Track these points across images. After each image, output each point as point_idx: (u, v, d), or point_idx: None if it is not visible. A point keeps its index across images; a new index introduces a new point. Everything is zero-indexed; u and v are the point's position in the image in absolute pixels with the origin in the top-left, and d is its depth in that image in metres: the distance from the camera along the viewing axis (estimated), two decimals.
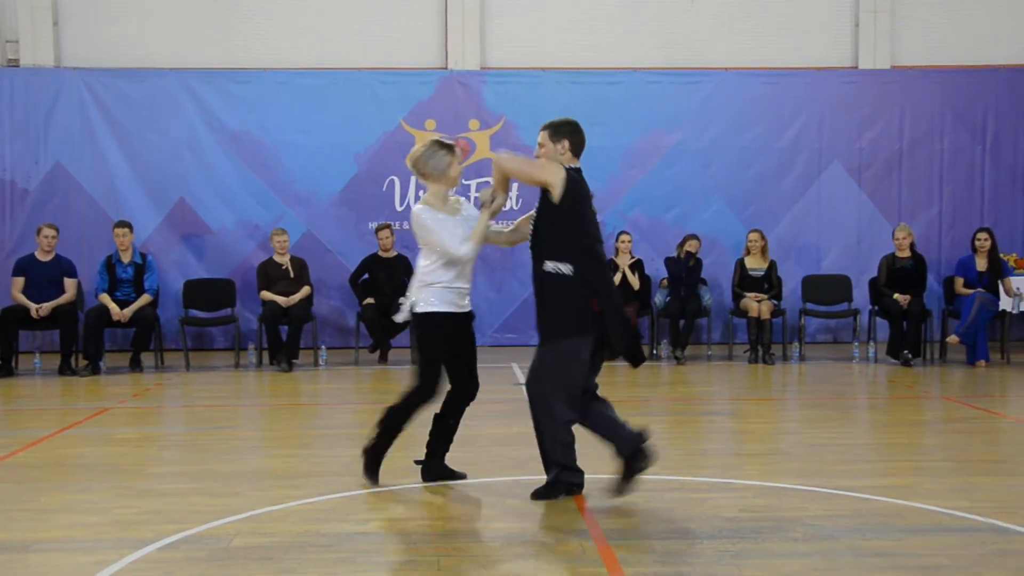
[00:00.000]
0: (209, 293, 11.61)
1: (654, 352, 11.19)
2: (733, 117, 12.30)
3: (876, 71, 12.60)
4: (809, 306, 11.71)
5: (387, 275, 11.09)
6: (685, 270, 11.19)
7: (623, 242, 11.38)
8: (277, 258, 11.03)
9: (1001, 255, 11.19)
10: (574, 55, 12.53)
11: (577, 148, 5.15)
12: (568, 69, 12.40)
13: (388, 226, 11.39)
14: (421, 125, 12.31)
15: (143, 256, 10.72)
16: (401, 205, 12.31)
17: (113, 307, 10.25)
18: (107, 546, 4.44)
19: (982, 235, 10.90)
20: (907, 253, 10.88)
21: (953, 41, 12.76)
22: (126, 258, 10.58)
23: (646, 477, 5.31)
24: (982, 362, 10.45)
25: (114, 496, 5.35)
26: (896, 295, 10.65)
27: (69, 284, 10.43)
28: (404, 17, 12.53)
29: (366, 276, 11.21)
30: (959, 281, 10.88)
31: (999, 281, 10.83)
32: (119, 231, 10.60)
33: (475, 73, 12.39)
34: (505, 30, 12.56)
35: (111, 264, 10.55)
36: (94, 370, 10.12)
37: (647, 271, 11.52)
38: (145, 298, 10.48)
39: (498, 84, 12.35)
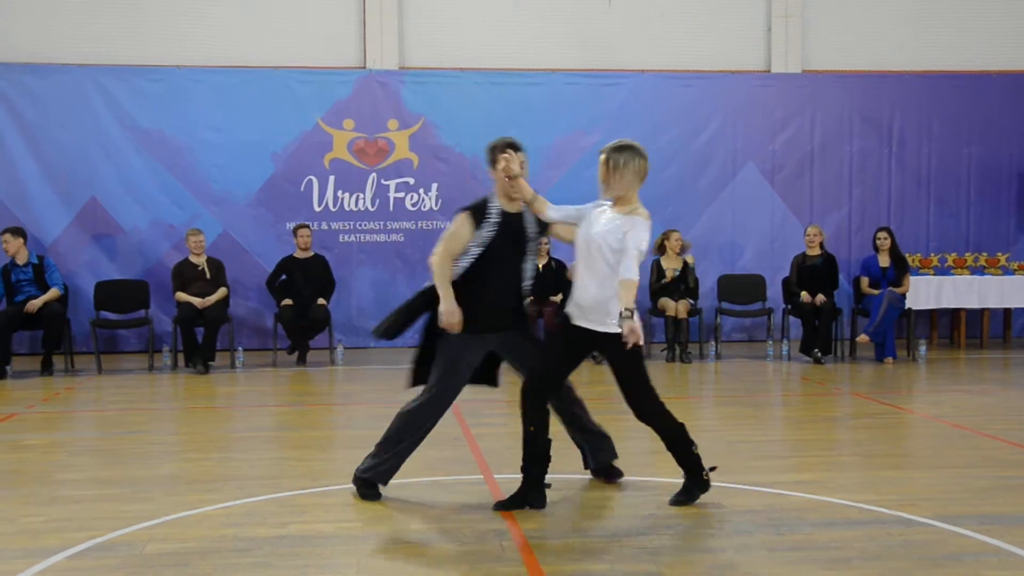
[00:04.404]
0: (122, 294, 11.34)
1: None
2: (650, 119, 12.44)
3: (788, 75, 12.88)
4: (725, 305, 11.92)
5: (304, 276, 10.97)
6: None
7: (541, 243, 11.35)
8: (193, 259, 10.83)
9: (906, 256, 11.51)
10: (493, 56, 12.55)
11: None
12: (487, 70, 12.40)
13: (307, 226, 11.28)
14: (339, 125, 12.21)
15: (40, 258, 10.40)
16: (319, 205, 12.19)
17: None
18: (12, 555, 4.31)
19: (882, 234, 11.23)
20: (817, 251, 11.15)
21: (860, 47, 13.12)
22: (21, 260, 10.27)
23: (563, 477, 5.36)
24: (890, 359, 10.78)
25: (19, 504, 5.19)
26: (804, 294, 10.90)
27: None
28: (321, 15, 12.41)
29: (284, 277, 11.08)
30: (864, 281, 11.20)
31: (904, 276, 11.08)
32: (5, 236, 10.26)
33: (394, 73, 12.32)
34: (424, 30, 12.52)
35: (7, 271, 10.23)
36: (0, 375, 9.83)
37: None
38: (53, 292, 10.19)
39: (417, 84, 12.30)
